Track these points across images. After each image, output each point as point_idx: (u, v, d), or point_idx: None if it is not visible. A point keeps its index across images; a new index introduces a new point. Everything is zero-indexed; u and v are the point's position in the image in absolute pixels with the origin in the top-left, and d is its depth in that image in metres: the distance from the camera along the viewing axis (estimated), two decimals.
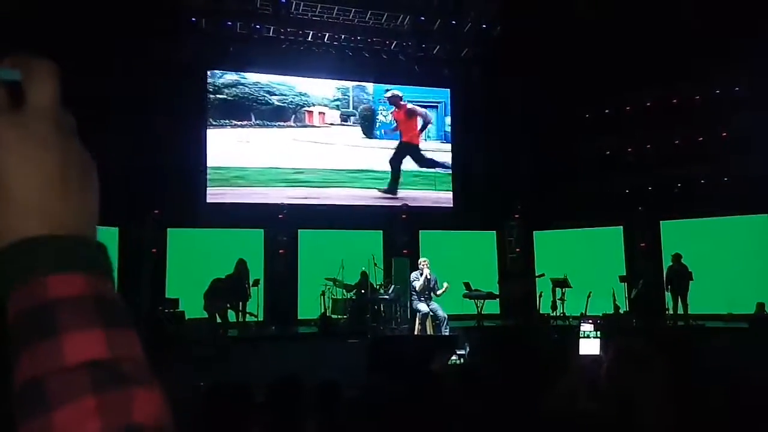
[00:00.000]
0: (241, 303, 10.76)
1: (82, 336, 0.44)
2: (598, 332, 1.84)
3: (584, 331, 1.84)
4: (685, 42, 11.35)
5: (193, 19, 12.03)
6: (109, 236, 11.40)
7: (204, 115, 12.75)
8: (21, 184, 0.47)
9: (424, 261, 9.89)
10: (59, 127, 0.50)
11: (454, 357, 4.00)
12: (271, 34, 12.78)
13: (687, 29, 11.28)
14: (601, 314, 10.12)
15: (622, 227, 13.25)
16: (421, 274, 9.66)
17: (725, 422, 2.62)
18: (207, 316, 9.80)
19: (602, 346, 1.80)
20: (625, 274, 12.29)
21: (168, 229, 12.00)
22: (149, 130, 11.14)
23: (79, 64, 9.96)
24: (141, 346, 0.47)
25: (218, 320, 9.89)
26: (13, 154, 0.47)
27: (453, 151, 14.29)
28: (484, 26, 13.27)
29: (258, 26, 12.59)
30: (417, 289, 9.58)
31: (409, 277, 10.07)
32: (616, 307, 11.19)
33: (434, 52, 13.79)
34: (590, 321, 1.88)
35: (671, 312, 11.42)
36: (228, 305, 10.15)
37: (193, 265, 11.13)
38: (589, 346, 1.83)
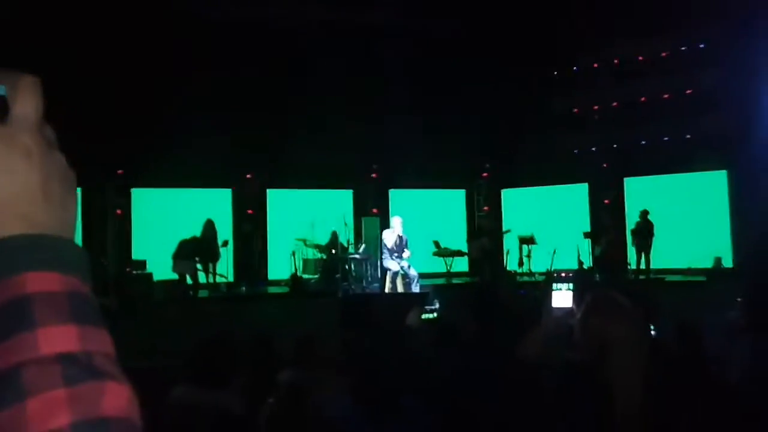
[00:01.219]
0: (210, 264, 10.70)
1: (57, 330, 0.46)
2: (571, 285, 1.88)
3: (557, 284, 1.88)
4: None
5: None
6: (76, 186, 11.12)
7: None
8: (4, 190, 0.50)
9: (397, 219, 9.94)
10: (42, 139, 0.53)
11: (427, 312, 4.08)
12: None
13: None
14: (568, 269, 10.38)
15: (587, 184, 13.49)
16: (393, 232, 9.72)
17: (685, 370, 2.74)
18: (176, 277, 9.73)
19: (575, 299, 1.85)
20: (589, 230, 12.58)
21: (132, 190, 11.75)
22: (113, 87, 10.74)
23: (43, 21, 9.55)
24: (111, 343, 0.49)
25: (188, 281, 9.83)
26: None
27: (421, 109, 14.19)
28: None
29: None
30: (389, 246, 9.64)
31: (381, 235, 10.12)
32: (581, 263, 11.49)
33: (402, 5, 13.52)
34: (563, 274, 1.92)
35: (634, 267, 11.78)
36: (197, 266, 10.08)
37: (160, 226, 10.97)
38: (562, 299, 1.88)
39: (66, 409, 0.44)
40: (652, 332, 3.83)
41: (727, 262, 11.62)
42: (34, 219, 0.50)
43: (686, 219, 11.97)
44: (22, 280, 0.47)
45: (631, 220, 12.04)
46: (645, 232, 11.46)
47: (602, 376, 1.56)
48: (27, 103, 0.53)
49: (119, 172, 11.31)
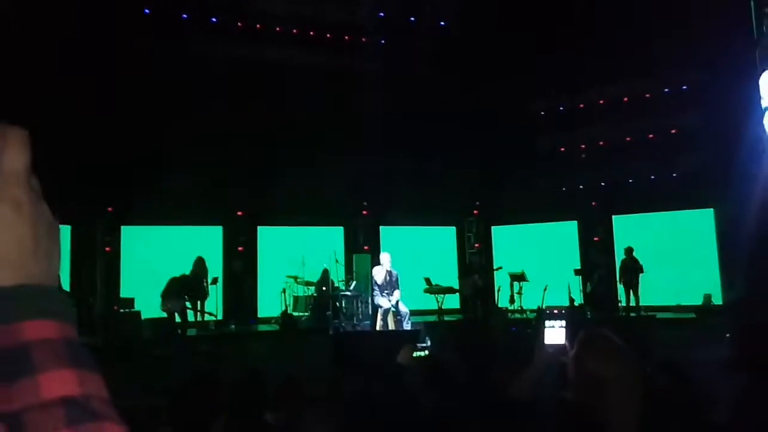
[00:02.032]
0: (199, 302, 10.60)
1: (57, 375, 0.49)
2: (563, 321, 1.89)
3: (549, 321, 1.89)
4: (636, 41, 11.70)
5: (146, 11, 11.74)
6: (61, 235, 11.04)
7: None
8: (19, 242, 0.53)
9: (386, 255, 9.94)
10: (30, 192, 0.55)
11: (418, 350, 4.03)
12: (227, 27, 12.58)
13: (637, 28, 11.63)
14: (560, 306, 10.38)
15: (576, 222, 13.60)
16: (383, 269, 9.70)
17: (677, 409, 2.73)
18: (165, 315, 9.61)
19: (567, 336, 1.85)
20: (579, 267, 12.63)
21: (122, 227, 11.69)
22: (104, 126, 10.80)
23: (27, 55, 9.64)
24: (105, 387, 0.52)
25: (177, 319, 9.71)
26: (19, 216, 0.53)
27: (412, 147, 14.36)
28: (441, 23, 13.39)
29: (214, 19, 12.37)
30: (379, 283, 9.61)
31: (371, 272, 10.09)
32: (572, 300, 11.49)
33: (392, 47, 13.82)
34: (555, 311, 1.93)
35: (624, 304, 11.80)
36: (186, 304, 9.97)
37: (149, 264, 10.88)
38: (554, 336, 1.88)
39: None
40: (648, 369, 3.83)
41: (717, 299, 11.67)
42: (26, 269, 0.53)
43: (675, 256, 12.06)
44: (21, 328, 0.50)
45: (620, 257, 12.12)
46: (631, 268, 11.55)
47: (597, 415, 1.56)
48: (16, 156, 0.55)
49: (109, 209, 11.27)
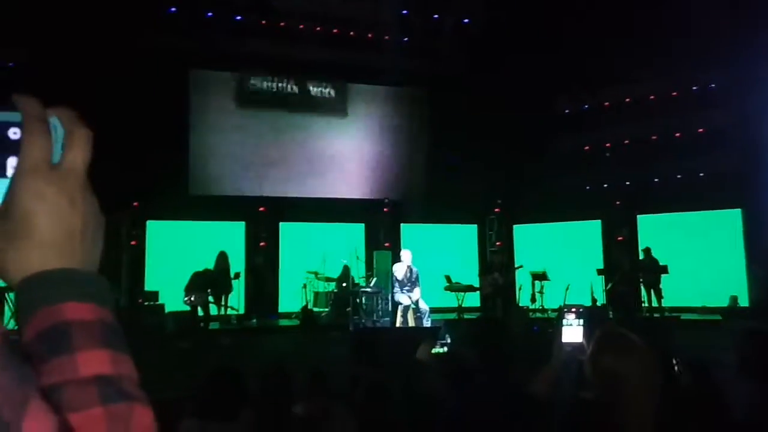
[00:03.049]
0: (222, 296, 10.73)
1: (93, 354, 0.53)
2: (581, 320, 1.89)
3: (567, 320, 1.89)
4: (663, 39, 11.52)
5: (173, 9, 11.90)
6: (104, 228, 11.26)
7: (187, 105, 12.61)
8: (50, 229, 0.57)
9: (406, 252, 9.95)
10: (85, 189, 0.61)
11: (438, 347, 4.04)
12: (250, 26, 12.68)
13: (664, 26, 11.45)
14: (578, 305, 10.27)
15: (600, 221, 13.44)
16: (403, 265, 9.72)
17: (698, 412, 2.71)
18: (188, 309, 9.75)
19: (585, 334, 1.85)
20: (602, 267, 12.49)
21: (147, 222, 11.89)
22: (129, 122, 10.98)
23: (58, 57, 9.85)
24: (135, 369, 0.56)
25: (200, 313, 9.85)
26: (48, 205, 0.57)
27: (434, 145, 14.35)
28: (465, 21, 13.33)
29: (238, 17, 12.48)
30: (399, 278, 9.62)
31: (392, 269, 10.12)
32: (594, 300, 11.37)
33: (415, 45, 13.80)
34: (573, 309, 1.93)
35: (646, 304, 11.64)
36: (209, 298, 10.11)
37: (173, 258, 11.05)
38: (572, 334, 1.88)
39: (102, 426, 0.49)
40: (676, 368, 3.78)
41: (743, 301, 11.45)
42: (73, 256, 0.58)
43: (701, 257, 11.86)
44: (64, 308, 0.54)
45: (641, 257, 11.97)
46: (649, 268, 11.39)
47: (614, 413, 1.56)
48: (79, 153, 0.60)
49: (135, 204, 11.46)
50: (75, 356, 0.52)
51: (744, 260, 11.90)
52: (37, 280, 0.55)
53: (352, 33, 13.41)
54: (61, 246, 0.57)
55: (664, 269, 11.30)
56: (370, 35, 13.55)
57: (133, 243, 11.50)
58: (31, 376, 0.50)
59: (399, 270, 9.73)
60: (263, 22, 12.70)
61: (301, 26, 12.95)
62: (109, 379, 0.52)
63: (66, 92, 9.20)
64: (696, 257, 11.84)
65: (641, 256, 11.76)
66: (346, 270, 11.20)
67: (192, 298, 9.65)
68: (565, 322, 1.86)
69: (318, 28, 13.10)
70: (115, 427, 0.50)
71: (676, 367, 3.85)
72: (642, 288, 11.70)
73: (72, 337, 0.52)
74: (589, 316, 1.91)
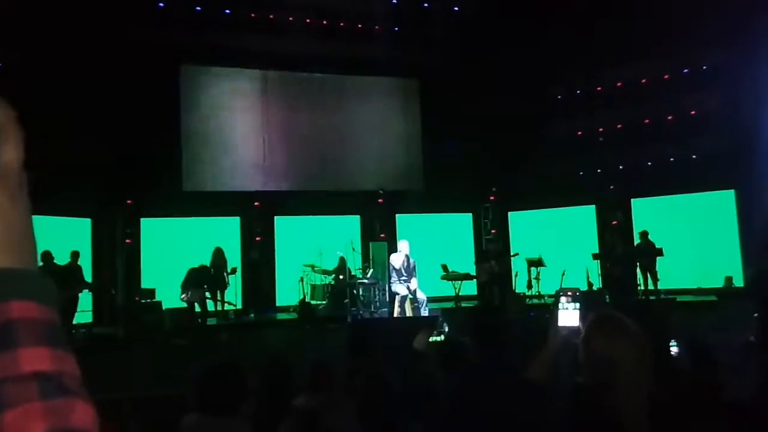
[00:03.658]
0: (219, 291, 10.72)
1: (34, 351, 0.53)
2: (577, 304, 1.89)
3: (563, 303, 1.89)
4: (654, 22, 11.50)
5: (161, 4, 11.81)
6: (82, 227, 11.23)
7: (178, 102, 12.54)
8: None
9: (404, 242, 9.96)
10: (23, 187, 0.60)
11: (435, 336, 4.06)
12: (241, 19, 12.60)
13: (655, 9, 11.43)
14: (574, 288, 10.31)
15: (594, 206, 13.47)
16: (400, 256, 9.73)
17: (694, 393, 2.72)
18: (185, 305, 9.75)
19: (581, 318, 1.85)
20: (597, 251, 12.53)
21: (141, 219, 11.85)
22: (121, 119, 10.92)
23: (50, 53, 9.77)
24: (78, 367, 0.56)
25: (197, 309, 9.85)
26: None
27: (426, 135, 14.34)
28: (455, 8, 13.28)
29: (228, 11, 12.40)
30: (397, 267, 9.63)
31: (389, 259, 10.13)
32: (590, 284, 11.42)
33: (407, 33, 13.75)
34: (569, 293, 1.93)
35: (642, 288, 11.70)
36: (206, 294, 10.10)
37: (169, 255, 11.03)
38: (568, 318, 1.88)
39: (41, 421, 0.50)
40: (674, 349, 3.80)
41: (738, 282, 11.52)
42: (15, 254, 0.57)
43: (695, 239, 11.91)
44: (8, 307, 0.54)
45: (637, 240, 12.02)
46: (646, 251, 11.43)
47: (607, 396, 1.56)
48: (15, 152, 0.59)
49: (129, 202, 11.42)
50: (16, 353, 0.52)
51: (738, 241, 11.97)
52: None
53: (342, 24, 13.34)
54: (4, 244, 0.57)
55: (660, 252, 11.34)
56: (360, 26, 13.49)
57: (127, 241, 11.47)
58: None
59: (396, 260, 9.74)
60: (252, 15, 12.62)
61: (291, 18, 12.88)
62: (50, 375, 0.52)
63: (56, 90, 9.13)
64: (690, 239, 11.89)
65: (638, 240, 11.79)
66: (342, 262, 11.21)
67: (188, 295, 9.64)
68: (560, 305, 1.86)
69: (308, 21, 13.03)
70: (54, 421, 0.50)
71: (674, 349, 3.87)
72: (638, 271, 11.76)
73: (15, 334, 0.53)
74: (585, 300, 1.91)
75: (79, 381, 0.55)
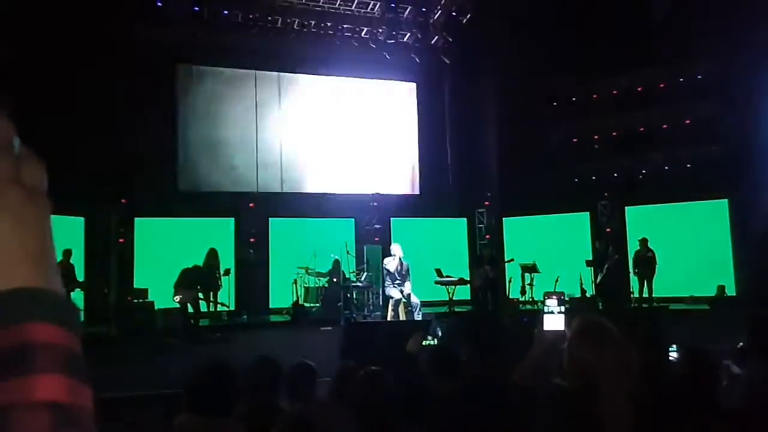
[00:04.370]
0: (212, 292, 10.69)
1: (52, 379, 0.50)
2: (563, 308, 1.90)
3: (548, 307, 1.90)
4: (650, 30, 11.58)
5: (159, 3, 11.80)
6: (75, 226, 11.19)
7: (174, 103, 12.53)
8: (21, 246, 0.55)
9: (397, 246, 9.97)
10: (48, 206, 0.59)
11: (428, 340, 4.06)
12: (239, 20, 12.61)
13: (651, 18, 11.50)
14: (567, 294, 10.33)
15: (588, 213, 13.52)
16: (394, 259, 9.74)
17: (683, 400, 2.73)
18: (178, 306, 9.71)
19: (566, 322, 1.86)
20: (591, 258, 12.56)
21: (135, 219, 11.82)
22: (116, 119, 10.90)
23: (46, 51, 9.75)
24: (92, 399, 0.53)
25: (190, 310, 9.81)
26: (22, 221, 0.56)
27: (422, 139, 14.37)
28: (453, 14, 13.32)
29: (226, 12, 12.40)
30: (391, 271, 9.64)
31: (382, 262, 10.14)
32: (583, 291, 11.45)
33: (404, 40, 13.80)
34: (555, 297, 1.94)
35: (636, 295, 11.73)
36: (199, 295, 10.07)
37: (163, 255, 11.00)
38: (554, 322, 1.89)
39: None
40: (673, 354, 3.82)
41: (731, 290, 11.57)
42: (43, 274, 0.55)
43: (688, 247, 11.96)
44: (31, 328, 0.51)
45: (633, 248, 12.05)
46: (646, 260, 11.46)
47: (589, 402, 1.57)
48: (41, 173, 0.59)
49: (123, 201, 11.38)
50: (32, 379, 0.49)
51: (730, 250, 12.03)
52: (8, 296, 0.53)
53: (340, 27, 13.37)
54: (30, 263, 0.55)
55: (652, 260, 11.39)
56: (357, 28, 13.52)
57: (121, 240, 11.43)
58: None
59: (390, 264, 9.75)
60: (250, 15, 12.63)
61: (289, 20, 12.90)
62: (65, 407, 0.49)
63: (51, 87, 9.12)
64: (684, 247, 11.94)
65: (637, 247, 11.79)
66: (336, 265, 11.20)
67: (182, 296, 9.61)
68: (546, 308, 1.87)
69: (305, 22, 13.05)
70: None
71: (673, 354, 3.89)
72: (634, 278, 11.78)
73: (34, 358, 0.50)
74: (578, 307, 1.92)
75: (92, 416, 0.52)
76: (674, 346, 4.10)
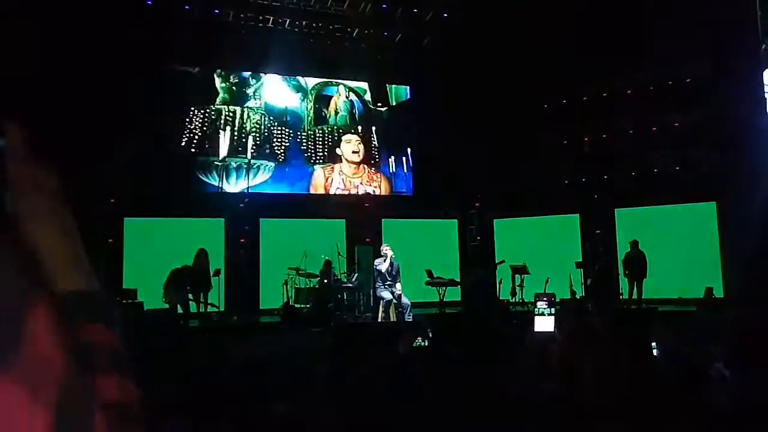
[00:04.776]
0: (201, 293, 10.63)
1: (112, 379, 0.53)
2: (553, 309, 1.90)
3: (539, 308, 1.90)
4: (641, 33, 11.65)
5: (149, 1, 11.73)
6: None
7: (164, 100, 12.44)
8: (68, 251, 0.59)
9: (387, 247, 9.97)
10: (70, 211, 0.63)
11: (419, 341, 4.06)
12: (230, 20, 12.56)
13: (642, 21, 11.57)
14: (557, 297, 10.37)
15: (578, 215, 13.58)
16: (385, 260, 9.73)
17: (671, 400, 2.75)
18: (167, 307, 9.66)
19: (556, 324, 1.87)
20: (581, 260, 12.62)
21: (124, 219, 11.73)
22: (106, 118, 10.81)
23: (35, 54, 9.66)
24: (137, 396, 0.57)
25: (179, 311, 9.76)
26: (64, 229, 0.60)
27: (414, 140, 14.38)
28: (445, 15, 13.34)
29: (217, 11, 12.35)
30: (383, 271, 9.64)
31: (373, 263, 10.13)
32: (573, 293, 11.49)
33: (396, 41, 13.80)
34: (545, 298, 1.95)
35: (626, 297, 11.79)
36: (189, 296, 10.02)
37: (152, 256, 10.92)
38: (544, 324, 1.90)
39: None
40: (655, 352, 3.84)
41: (718, 293, 11.66)
42: (86, 278, 0.59)
43: (677, 250, 12.04)
44: (89, 329, 0.55)
45: (622, 250, 12.12)
46: (636, 261, 11.52)
47: (578, 404, 1.57)
48: (53, 176, 0.62)
49: (111, 201, 11.30)
50: (101, 379, 0.52)
51: (719, 252, 12.13)
52: (73, 298, 0.56)
53: (331, 27, 13.35)
54: (77, 267, 0.59)
55: (642, 262, 11.46)
56: (350, 29, 13.50)
57: (110, 241, 11.35)
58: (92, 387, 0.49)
59: (381, 265, 9.75)
60: (242, 15, 12.59)
61: (280, 20, 12.87)
62: (121, 405, 0.53)
63: (39, 86, 9.03)
64: (672, 250, 12.02)
65: (627, 249, 11.86)
66: (327, 266, 11.18)
67: (171, 297, 9.55)
68: (536, 310, 1.88)
69: (297, 23, 13.03)
70: None
71: (656, 351, 3.90)
72: (624, 280, 11.84)
73: (97, 358, 0.53)
74: (567, 308, 1.92)
75: (137, 407, 0.55)
76: (663, 347, 4.12)
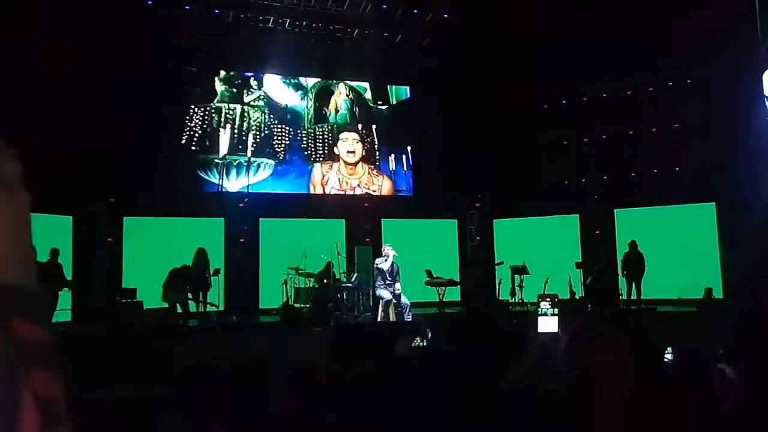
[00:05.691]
0: (201, 293, 10.63)
1: (44, 377, 0.53)
2: (556, 309, 1.90)
3: (542, 309, 1.90)
4: (640, 35, 11.65)
5: (150, 1, 11.73)
6: (63, 225, 11.09)
7: (164, 99, 12.44)
8: (10, 244, 0.57)
9: (390, 247, 9.98)
10: (28, 203, 0.61)
11: (418, 341, 4.07)
12: (230, 20, 12.56)
13: (640, 22, 11.57)
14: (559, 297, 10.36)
15: (578, 216, 13.59)
16: (387, 260, 9.75)
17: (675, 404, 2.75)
18: (167, 306, 9.66)
19: (560, 324, 1.87)
20: (580, 260, 12.62)
21: (124, 218, 11.73)
22: (106, 116, 10.81)
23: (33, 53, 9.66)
24: (63, 389, 0.56)
25: (179, 310, 9.76)
26: (5, 219, 0.58)
27: (414, 140, 14.38)
28: (445, 16, 13.35)
29: (217, 11, 12.35)
30: (384, 270, 9.65)
31: (374, 263, 10.14)
32: (572, 293, 11.49)
33: (396, 41, 13.80)
34: (548, 299, 1.95)
35: (625, 297, 11.80)
36: (188, 295, 10.02)
37: (152, 255, 10.93)
38: (548, 324, 1.90)
39: None
40: (668, 356, 3.84)
41: (718, 293, 11.66)
42: (21, 271, 0.57)
43: (676, 250, 12.05)
44: (14, 324, 0.53)
45: (622, 250, 12.13)
46: (635, 262, 11.53)
47: (584, 406, 1.57)
48: (14, 167, 0.60)
49: (111, 200, 11.30)
50: (30, 376, 0.51)
51: (718, 253, 12.14)
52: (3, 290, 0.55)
53: (331, 28, 13.34)
54: (12, 260, 0.56)
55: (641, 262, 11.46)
56: (350, 30, 13.50)
57: (109, 240, 11.35)
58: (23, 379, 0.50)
59: (384, 264, 9.77)
60: (242, 16, 12.58)
61: (281, 21, 12.86)
62: (50, 402, 0.52)
63: (40, 86, 9.03)
64: (672, 250, 12.03)
65: (626, 249, 11.86)
66: (327, 266, 11.18)
67: (171, 296, 9.56)
68: (540, 310, 1.88)
69: (297, 23, 13.02)
70: None
71: (668, 356, 3.90)
72: (623, 280, 11.84)
73: (27, 356, 0.52)
74: (567, 309, 1.93)
75: (65, 405, 0.54)
76: (669, 348, 4.12)
